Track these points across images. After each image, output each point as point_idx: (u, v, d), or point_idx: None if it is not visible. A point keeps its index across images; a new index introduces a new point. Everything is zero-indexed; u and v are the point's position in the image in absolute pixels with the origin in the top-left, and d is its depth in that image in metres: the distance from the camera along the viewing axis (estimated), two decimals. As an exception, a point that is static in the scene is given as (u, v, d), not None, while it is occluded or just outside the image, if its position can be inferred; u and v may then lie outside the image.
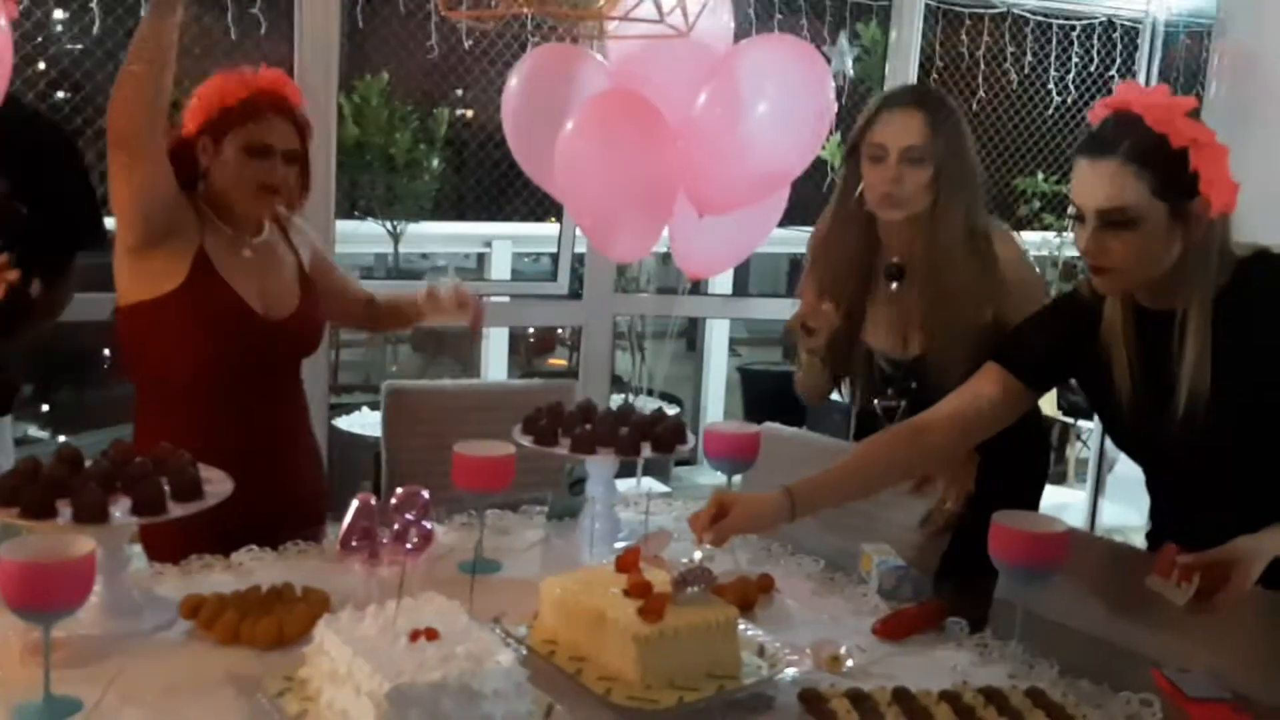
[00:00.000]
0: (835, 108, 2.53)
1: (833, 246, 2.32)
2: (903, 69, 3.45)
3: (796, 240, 6.02)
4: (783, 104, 2.43)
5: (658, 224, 2.55)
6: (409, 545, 1.47)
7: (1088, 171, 1.74)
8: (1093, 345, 1.86)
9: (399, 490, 1.50)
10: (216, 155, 2.11)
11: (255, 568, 1.96)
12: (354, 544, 1.45)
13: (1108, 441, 3.99)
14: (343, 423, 4.39)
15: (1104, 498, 4.03)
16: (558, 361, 6.66)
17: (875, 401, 2.36)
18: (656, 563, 1.81)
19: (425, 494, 1.49)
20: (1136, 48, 6.49)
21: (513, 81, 2.67)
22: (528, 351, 6.79)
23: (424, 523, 1.48)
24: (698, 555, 1.86)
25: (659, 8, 1.48)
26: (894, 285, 2.27)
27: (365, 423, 4.41)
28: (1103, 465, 3.95)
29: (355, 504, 1.44)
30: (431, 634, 1.44)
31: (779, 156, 2.47)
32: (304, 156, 2.19)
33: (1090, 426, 4.12)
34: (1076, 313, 1.90)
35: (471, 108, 5.50)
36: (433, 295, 2.30)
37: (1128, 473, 4.05)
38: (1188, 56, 5.14)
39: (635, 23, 1.52)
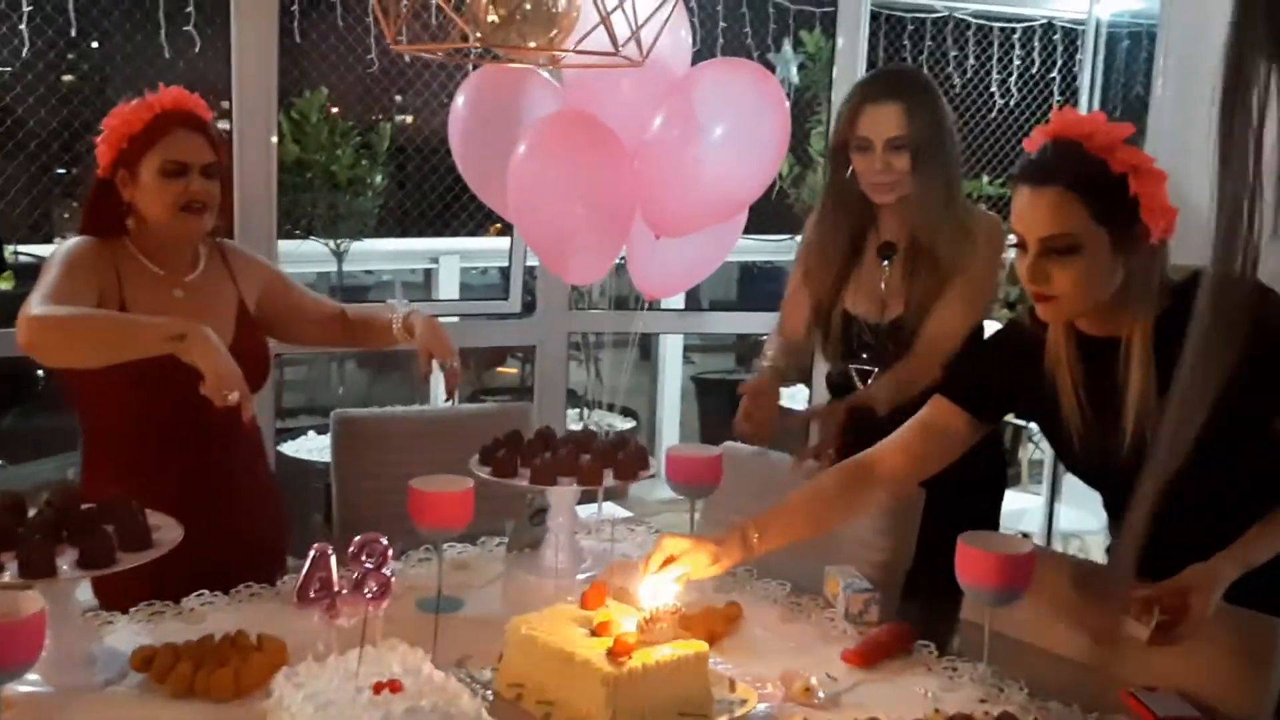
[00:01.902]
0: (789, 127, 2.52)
1: (828, 229, 2.43)
2: (849, 76, 3.45)
3: (748, 249, 5.99)
4: (740, 128, 2.41)
5: (613, 247, 2.53)
6: (368, 594, 1.43)
7: (1028, 199, 1.74)
8: (1038, 375, 1.87)
9: (357, 538, 1.45)
10: (135, 185, 2.06)
11: (207, 613, 1.90)
12: (312, 595, 1.40)
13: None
14: (289, 448, 4.25)
15: (1060, 502, 4.06)
16: (508, 370, 6.58)
17: (850, 366, 2.42)
18: (623, 595, 1.79)
19: (384, 541, 1.45)
20: (1077, 49, 6.57)
21: (459, 101, 2.62)
22: (477, 366, 6.72)
23: (384, 570, 1.43)
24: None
25: (613, 39, 1.45)
26: (885, 263, 2.38)
27: (312, 448, 4.29)
28: (1058, 469, 3.98)
29: (312, 554, 1.40)
30: (395, 686, 1.41)
31: (735, 181, 2.45)
32: (222, 171, 2.13)
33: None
34: (1019, 343, 1.90)
35: (414, 121, 5.44)
36: (408, 328, 2.22)
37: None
38: (1129, 59, 5.21)
39: (588, 54, 1.49)
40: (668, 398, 5.37)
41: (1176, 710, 1.62)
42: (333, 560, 1.42)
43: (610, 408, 5.69)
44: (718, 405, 6.34)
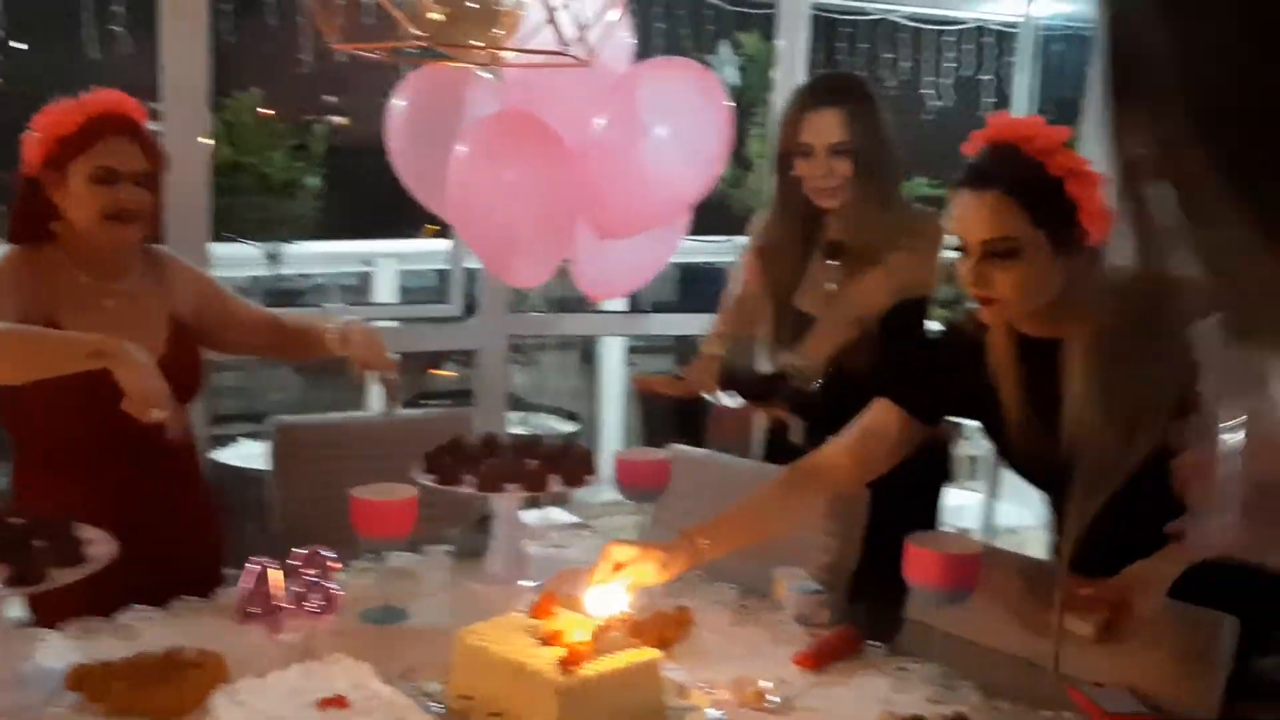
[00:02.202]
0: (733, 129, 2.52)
1: (778, 232, 2.48)
2: (789, 78, 3.45)
3: (689, 250, 5.98)
4: (684, 128, 2.40)
5: (558, 249, 2.50)
6: (313, 609, 1.39)
7: (969, 203, 1.75)
8: (979, 377, 1.88)
9: (299, 551, 1.41)
10: (64, 189, 1.98)
11: (144, 629, 1.84)
12: (252, 611, 1.36)
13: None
14: (223, 456, 4.15)
15: (999, 498, 4.11)
16: (446, 373, 6.48)
17: (794, 361, 2.45)
18: (572, 603, 1.76)
19: (326, 553, 1.41)
20: (1005, 51, 6.67)
21: (398, 102, 2.57)
22: (416, 370, 6.62)
23: (327, 584, 1.40)
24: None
25: (561, 37, 1.43)
26: (830, 262, 2.42)
27: (246, 455, 4.19)
28: (997, 466, 4.03)
29: (253, 568, 1.35)
30: (341, 702, 1.37)
31: (680, 181, 2.44)
32: (155, 179, 2.05)
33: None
34: (960, 347, 1.92)
35: (350, 120, 5.35)
36: (344, 338, 2.15)
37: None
38: (1061, 62, 5.29)
39: (536, 53, 1.46)
40: (609, 402, 5.34)
41: (1124, 706, 1.63)
42: (274, 574, 1.38)
43: (558, 411, 5.66)
44: (659, 407, 6.33)
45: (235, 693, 1.40)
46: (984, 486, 4.09)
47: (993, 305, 1.76)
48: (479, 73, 2.50)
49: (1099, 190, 1.71)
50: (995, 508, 4.06)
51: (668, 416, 6.17)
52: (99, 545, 1.69)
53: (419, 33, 1.36)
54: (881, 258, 2.35)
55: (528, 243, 2.38)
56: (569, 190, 2.38)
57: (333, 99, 5.05)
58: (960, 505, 4.30)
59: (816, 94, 2.38)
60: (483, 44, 1.35)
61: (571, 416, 5.23)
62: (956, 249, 1.77)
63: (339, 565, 1.41)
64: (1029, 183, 1.70)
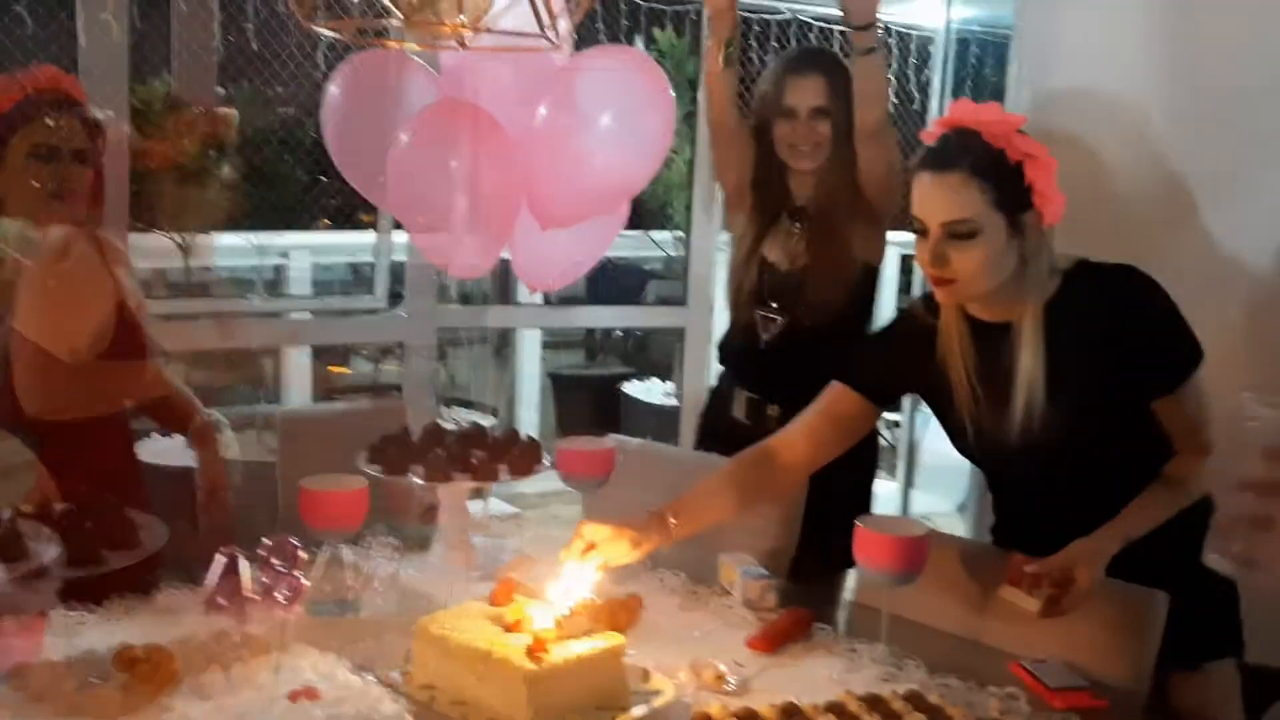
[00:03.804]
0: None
1: (748, 193, 2.64)
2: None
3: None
4: (627, 116, 2.42)
5: (501, 239, 2.49)
6: (281, 598, 1.37)
7: (930, 185, 1.80)
8: (931, 360, 1.94)
9: (267, 540, 1.39)
10: (1, 168, 1.93)
11: (81, 629, 1.78)
12: (221, 602, 1.33)
13: (918, 430, 4.19)
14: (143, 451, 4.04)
15: (914, 487, 4.22)
16: (341, 370, 6.34)
17: (757, 311, 2.62)
18: (532, 589, 1.77)
19: (295, 542, 1.40)
20: (911, 54, 6.82)
21: (333, 90, 2.53)
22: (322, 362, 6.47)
23: (295, 573, 1.38)
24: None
25: (550, 16, 1.42)
26: (795, 225, 2.60)
27: (159, 450, 4.09)
28: (912, 455, 4.14)
29: (220, 560, 1.33)
30: (311, 693, 1.36)
31: (624, 169, 2.46)
32: (96, 157, 2.01)
33: (894, 417, 4.30)
34: (912, 330, 1.98)
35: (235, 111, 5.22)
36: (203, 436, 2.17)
37: (935, 462, 4.28)
38: (976, 65, 5.44)
39: (507, 36, 1.47)
40: (525, 395, 5.33)
41: (1065, 680, 1.70)
42: (243, 565, 1.36)
43: (465, 404, 5.61)
44: (572, 400, 6.34)
45: (199, 687, 1.37)
46: (900, 476, 4.20)
47: (949, 285, 1.81)
48: (416, 60, 2.48)
49: (1053, 175, 1.78)
50: (911, 496, 4.17)
51: (582, 410, 6.20)
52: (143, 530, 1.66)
53: (398, 13, 1.35)
54: (837, 222, 2.54)
55: (471, 233, 2.37)
56: (512, 179, 2.37)
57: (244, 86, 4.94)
58: (877, 493, 4.41)
59: (801, 61, 2.60)
60: (465, 24, 1.34)
61: (489, 410, 5.20)
62: (915, 230, 1.82)
63: (306, 555, 1.39)
64: (991, 166, 1.76)
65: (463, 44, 1.43)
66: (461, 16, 1.39)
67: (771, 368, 2.63)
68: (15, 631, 1.26)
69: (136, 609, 1.85)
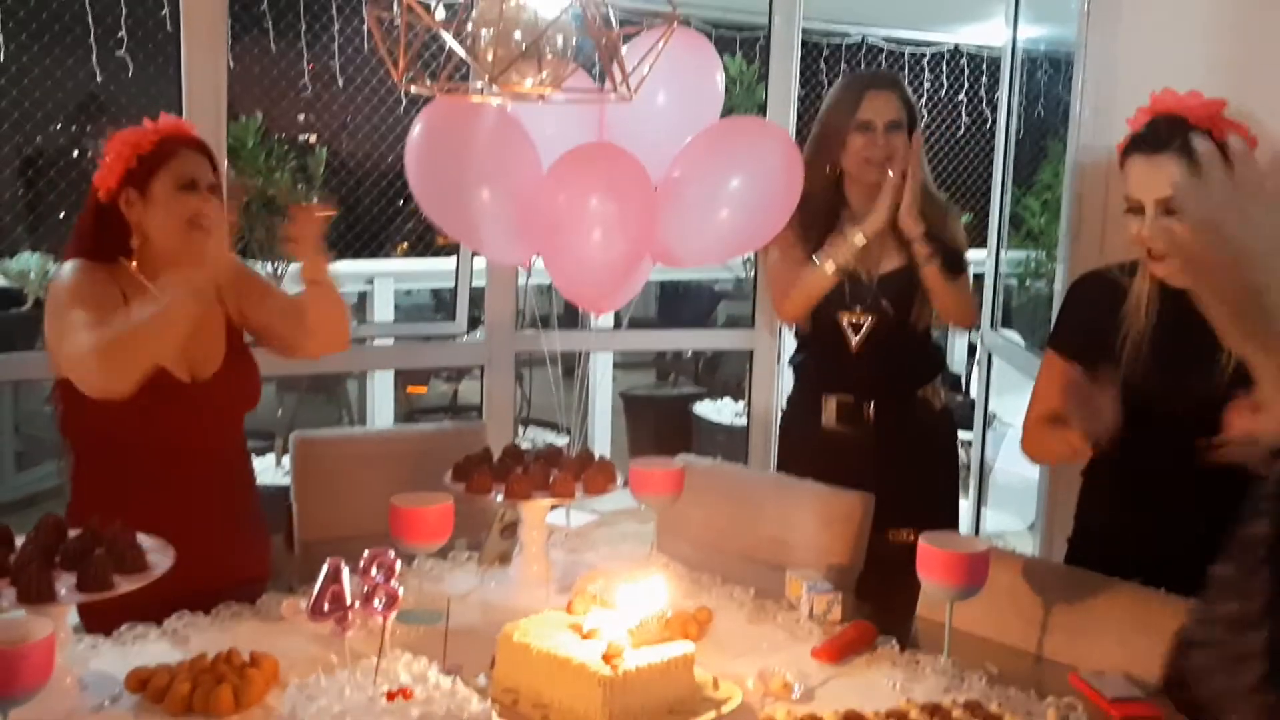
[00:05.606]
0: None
1: (806, 204, 2.73)
2: (783, 100, 3.58)
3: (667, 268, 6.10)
4: (755, 184, 2.68)
5: (641, 276, 2.69)
6: (378, 606, 1.49)
7: (1144, 167, 1.94)
8: (1115, 314, 2.05)
9: (366, 552, 1.51)
10: (145, 204, 2.08)
11: (191, 634, 1.92)
12: (326, 609, 1.46)
13: (989, 449, 4.21)
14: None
15: (986, 505, 4.24)
16: (419, 389, 6.51)
17: (843, 317, 2.71)
18: (604, 602, 1.87)
19: (392, 554, 1.51)
20: (982, 73, 6.82)
21: (416, 131, 2.66)
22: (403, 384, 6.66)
23: (392, 583, 1.50)
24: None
25: (613, 79, 1.53)
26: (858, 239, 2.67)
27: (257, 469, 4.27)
28: (984, 473, 4.16)
29: (325, 569, 1.45)
30: (407, 693, 1.47)
31: (747, 229, 2.70)
32: (222, 193, 2.18)
33: (967, 437, 4.32)
34: (1101, 285, 2.11)
35: (347, 145, 5.45)
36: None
37: (1007, 481, 4.30)
38: (1048, 83, 5.45)
39: (579, 91, 1.57)
40: (599, 416, 5.44)
41: (1123, 691, 1.75)
42: (345, 574, 1.48)
43: (539, 424, 5.74)
44: (644, 420, 6.44)
45: (305, 687, 1.49)
46: (972, 494, 4.22)
47: (1166, 260, 1.92)
48: (492, 103, 2.60)
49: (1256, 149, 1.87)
50: (984, 515, 4.19)
51: (653, 429, 6.29)
52: (157, 553, 1.78)
53: (486, 74, 1.46)
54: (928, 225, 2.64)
55: (613, 272, 2.53)
56: (649, 223, 2.53)
57: (331, 125, 5.17)
58: (949, 512, 4.44)
59: (873, 79, 2.81)
60: (543, 88, 1.46)
61: (563, 431, 5.33)
62: (1131, 210, 1.94)
63: (399, 567, 1.51)
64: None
65: (542, 98, 1.54)
66: (544, 74, 1.51)
67: (865, 369, 2.71)
68: (28, 652, 1.38)
69: (243, 615, 2.00)
